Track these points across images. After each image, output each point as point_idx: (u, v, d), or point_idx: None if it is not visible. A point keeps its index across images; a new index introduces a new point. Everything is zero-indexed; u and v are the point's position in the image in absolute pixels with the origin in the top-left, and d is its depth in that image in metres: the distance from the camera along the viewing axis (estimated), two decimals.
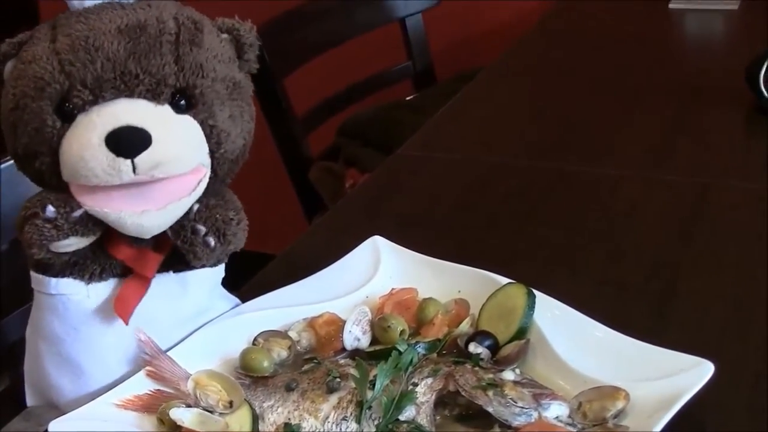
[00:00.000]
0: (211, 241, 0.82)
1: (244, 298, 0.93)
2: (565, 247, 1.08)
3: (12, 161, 0.84)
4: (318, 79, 1.81)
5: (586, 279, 1.00)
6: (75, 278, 0.82)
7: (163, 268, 0.84)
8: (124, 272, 0.83)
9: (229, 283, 0.92)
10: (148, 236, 0.80)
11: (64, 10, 0.80)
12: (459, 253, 0.95)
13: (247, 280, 1.00)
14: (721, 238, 1.07)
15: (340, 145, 1.91)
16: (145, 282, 0.83)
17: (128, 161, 0.74)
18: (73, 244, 0.78)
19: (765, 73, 1.30)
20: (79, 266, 0.82)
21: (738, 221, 1.10)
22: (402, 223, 1.14)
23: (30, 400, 0.87)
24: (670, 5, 1.85)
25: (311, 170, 1.83)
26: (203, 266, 0.84)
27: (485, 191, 1.25)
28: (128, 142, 0.74)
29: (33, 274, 0.83)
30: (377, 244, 0.97)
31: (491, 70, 1.66)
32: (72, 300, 0.82)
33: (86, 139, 0.74)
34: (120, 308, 0.81)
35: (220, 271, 0.89)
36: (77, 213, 0.77)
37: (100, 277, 0.83)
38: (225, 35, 0.83)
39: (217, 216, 0.82)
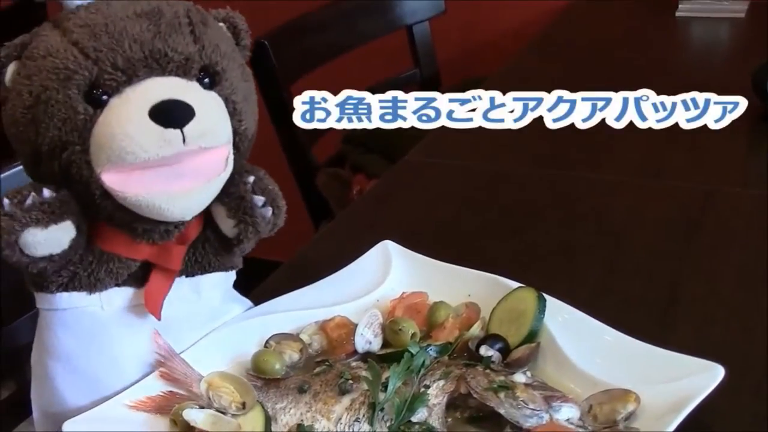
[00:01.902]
0: (269, 212, 0.83)
1: (253, 304, 0.93)
2: (567, 254, 1.08)
3: (13, 171, 0.82)
4: (325, 86, 1.82)
5: (588, 286, 1.00)
6: (82, 290, 0.81)
7: (187, 268, 0.85)
8: (133, 278, 0.83)
9: (236, 291, 0.93)
10: (189, 217, 0.80)
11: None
12: (464, 259, 0.96)
13: (254, 287, 1.00)
14: (724, 244, 1.07)
15: (345, 152, 1.91)
16: (170, 275, 0.83)
17: (177, 131, 0.74)
18: (41, 239, 0.76)
19: None
20: (79, 277, 0.80)
21: (741, 227, 1.10)
22: (408, 229, 1.14)
23: (39, 423, 0.85)
24: (677, 13, 1.86)
25: (318, 176, 1.84)
26: (244, 251, 0.85)
27: (490, 197, 1.25)
28: (176, 113, 0.74)
29: (38, 294, 0.82)
30: (388, 248, 0.98)
31: (497, 77, 1.67)
32: (86, 312, 0.81)
33: (129, 116, 0.74)
34: (150, 304, 0.81)
35: (232, 274, 0.90)
36: (29, 200, 0.75)
37: (107, 286, 0.82)
38: (221, 24, 0.85)
39: (270, 186, 0.84)
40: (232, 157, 0.80)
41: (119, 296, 0.83)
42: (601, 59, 1.69)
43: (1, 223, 0.74)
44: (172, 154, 0.74)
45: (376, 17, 1.95)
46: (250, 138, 0.83)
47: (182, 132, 0.74)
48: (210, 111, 0.77)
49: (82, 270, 0.80)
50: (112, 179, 0.75)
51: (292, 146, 1.82)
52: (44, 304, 0.82)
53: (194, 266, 0.86)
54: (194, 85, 0.78)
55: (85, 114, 0.75)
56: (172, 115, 0.74)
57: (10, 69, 0.78)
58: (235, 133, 0.81)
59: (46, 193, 0.76)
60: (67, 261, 0.79)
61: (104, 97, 0.75)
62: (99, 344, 0.82)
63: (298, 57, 1.80)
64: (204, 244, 0.86)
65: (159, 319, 0.82)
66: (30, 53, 0.77)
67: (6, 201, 0.75)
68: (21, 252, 0.76)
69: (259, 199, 0.83)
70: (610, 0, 2.00)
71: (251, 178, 0.83)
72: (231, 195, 0.82)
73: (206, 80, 0.79)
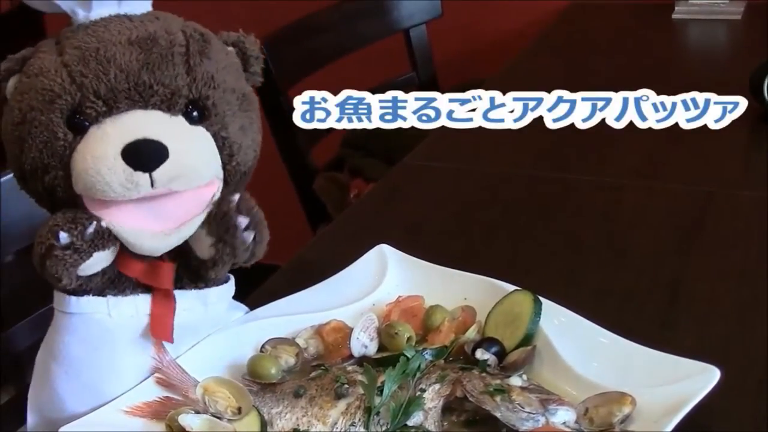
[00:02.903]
0: (249, 237, 0.80)
1: (250, 308, 0.93)
2: (568, 256, 1.08)
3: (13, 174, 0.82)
4: (322, 90, 1.82)
5: (589, 288, 1.00)
6: (95, 295, 0.81)
7: (185, 284, 0.84)
8: (143, 286, 0.82)
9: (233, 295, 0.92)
10: (159, 254, 0.80)
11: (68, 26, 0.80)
12: (463, 262, 0.95)
13: (250, 292, 1.00)
14: (724, 245, 1.07)
15: (344, 156, 1.91)
16: (169, 295, 0.82)
17: (146, 175, 0.74)
18: (98, 261, 0.77)
19: None
20: (102, 285, 0.80)
21: (741, 229, 1.10)
22: (406, 232, 1.14)
23: (33, 424, 0.85)
24: (674, 15, 1.86)
25: (316, 180, 1.84)
26: (217, 276, 0.83)
27: (489, 200, 1.25)
28: (146, 155, 0.74)
29: (56, 293, 0.82)
30: (384, 252, 0.98)
31: (495, 80, 1.67)
32: (93, 319, 0.81)
33: (102, 153, 0.74)
34: (158, 330, 0.81)
35: (232, 284, 0.89)
36: (91, 228, 0.76)
37: (122, 293, 0.82)
38: (231, 48, 0.83)
39: (254, 210, 0.81)
40: (218, 194, 0.79)
41: (127, 305, 0.82)
42: (597, 62, 1.69)
43: (64, 258, 0.75)
44: (140, 196, 0.74)
45: (373, 21, 1.95)
46: (245, 171, 0.82)
47: (150, 176, 0.74)
48: (189, 152, 0.76)
49: (100, 279, 0.80)
50: (93, 206, 0.76)
51: (289, 150, 1.82)
52: (59, 304, 0.82)
53: (188, 283, 0.85)
54: (178, 121, 0.77)
55: (64, 140, 0.75)
56: (142, 157, 0.74)
57: (12, 82, 0.78)
58: (224, 168, 0.80)
59: (103, 222, 0.76)
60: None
61: (86, 124, 0.75)
62: (102, 352, 0.81)
63: (295, 61, 1.80)
64: (186, 264, 0.84)
65: (172, 342, 0.81)
66: (27, 69, 0.77)
67: (63, 235, 0.75)
68: (77, 277, 0.77)
69: (243, 220, 0.79)
70: (607, 2, 2.00)
71: (236, 197, 0.80)
72: (213, 211, 0.80)
73: (194, 114, 0.78)
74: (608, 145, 1.32)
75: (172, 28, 0.79)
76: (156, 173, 0.74)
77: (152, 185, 0.74)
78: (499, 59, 1.91)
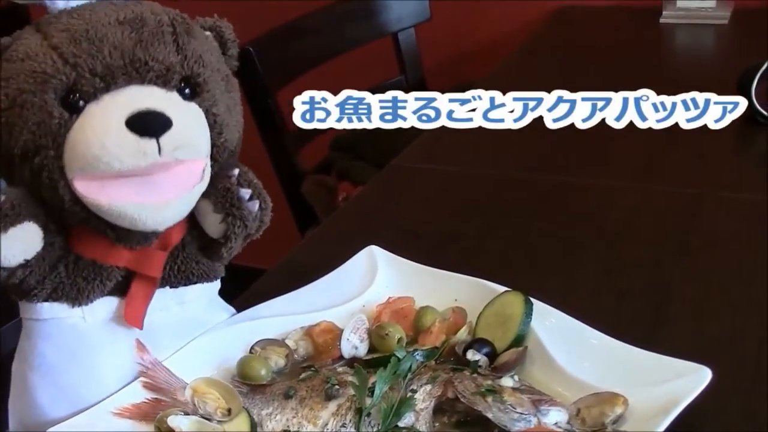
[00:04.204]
0: (255, 206, 0.82)
1: (238, 310, 0.92)
2: (561, 257, 1.08)
3: None
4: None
5: (582, 289, 1.00)
6: (65, 301, 0.80)
7: (161, 283, 0.83)
8: (118, 287, 0.82)
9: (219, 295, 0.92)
10: (163, 228, 0.79)
11: None
12: (453, 264, 0.95)
13: (238, 294, 1.00)
14: (716, 246, 1.07)
15: (332, 158, 1.91)
16: (152, 283, 0.82)
17: (153, 141, 0.73)
18: (14, 243, 0.74)
19: (756, 84, 1.31)
20: (63, 287, 0.79)
21: (732, 230, 1.11)
22: (395, 235, 1.14)
23: None
24: (661, 20, 1.86)
25: (304, 184, 1.83)
26: (230, 253, 0.84)
27: (479, 202, 1.25)
28: (152, 122, 0.74)
29: (21, 303, 0.81)
30: (374, 253, 0.98)
31: (483, 83, 1.67)
32: (67, 323, 0.80)
33: (106, 125, 0.73)
34: (130, 315, 0.80)
35: (217, 283, 0.89)
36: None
37: (91, 297, 0.80)
38: (208, 33, 0.84)
39: (255, 180, 0.83)
40: (209, 169, 0.79)
41: (101, 307, 0.81)
42: (586, 65, 1.69)
43: None
44: (147, 165, 0.73)
45: (362, 24, 1.95)
46: (231, 150, 0.83)
47: (158, 142, 0.73)
48: (188, 123, 0.76)
49: (66, 278, 0.79)
50: (84, 186, 0.74)
51: (278, 153, 1.82)
52: (26, 313, 0.81)
53: (177, 275, 0.85)
54: (174, 96, 0.77)
55: (60, 119, 0.74)
56: (148, 124, 0.73)
57: None
58: (213, 145, 0.80)
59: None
60: (50, 268, 0.78)
61: (81, 103, 0.74)
62: (80, 356, 0.80)
63: (283, 64, 1.79)
64: (186, 251, 0.85)
65: (141, 329, 0.81)
66: (9, 56, 0.76)
67: None
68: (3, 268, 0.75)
69: (246, 192, 0.82)
70: (595, 5, 2.01)
71: (236, 171, 0.82)
72: (216, 188, 0.81)
73: (186, 91, 0.78)
74: (600, 147, 1.33)
75: (156, 9, 0.80)
76: (163, 139, 0.73)
77: (159, 153, 0.73)
78: (489, 62, 1.91)
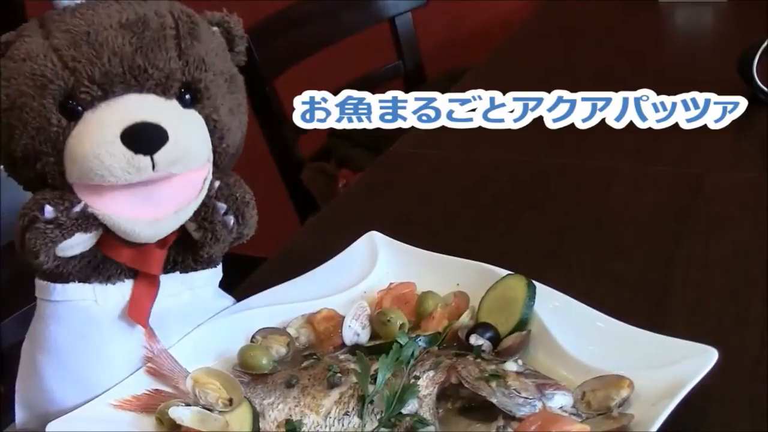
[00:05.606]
0: (231, 221, 0.81)
1: (238, 299, 0.92)
2: (560, 241, 1.07)
3: None
4: (308, 80, 1.81)
5: (582, 272, 1.00)
6: (81, 283, 0.79)
7: (170, 268, 0.83)
8: (130, 273, 0.81)
9: (220, 287, 0.91)
10: (156, 240, 0.79)
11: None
12: (453, 249, 0.94)
13: (238, 284, 0.99)
14: (716, 227, 1.07)
15: (331, 145, 1.90)
16: (154, 280, 0.81)
17: (147, 158, 0.73)
18: (79, 243, 0.76)
19: (757, 63, 1.30)
20: (84, 271, 0.79)
21: (732, 210, 1.10)
22: (395, 220, 1.13)
23: (21, 419, 0.83)
24: None
25: (304, 171, 1.83)
26: (210, 255, 0.83)
27: (478, 187, 1.24)
28: (146, 138, 0.73)
29: (37, 281, 0.80)
30: (374, 239, 0.97)
31: (481, 67, 1.66)
32: (79, 306, 0.80)
33: (101, 137, 0.72)
34: (135, 312, 0.80)
35: (220, 270, 0.88)
36: (78, 207, 0.75)
37: (108, 281, 0.80)
38: (215, 28, 0.82)
39: (237, 195, 0.81)
40: (210, 177, 0.79)
41: (114, 292, 0.81)
42: (585, 46, 1.68)
43: (46, 233, 0.73)
44: (140, 180, 0.73)
45: (359, 10, 1.94)
46: (233, 153, 0.82)
47: (152, 159, 0.73)
48: (186, 134, 0.75)
49: (87, 264, 0.79)
50: (83, 193, 0.75)
51: (276, 141, 1.81)
52: (40, 293, 0.81)
53: (176, 267, 0.84)
54: (173, 104, 0.76)
55: (58, 126, 0.74)
56: (142, 140, 0.73)
57: None
58: (215, 151, 0.79)
59: (90, 209, 0.75)
60: (81, 257, 0.79)
61: (79, 109, 0.74)
62: (90, 340, 0.80)
63: (281, 51, 1.79)
64: (183, 244, 0.83)
65: (146, 328, 0.80)
66: (11, 54, 0.76)
67: (49, 208, 0.74)
68: (55, 256, 0.75)
69: (222, 206, 0.80)
70: None
71: (216, 184, 0.81)
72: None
73: (187, 97, 0.77)
74: (597, 131, 1.31)
75: (160, 9, 0.78)
76: (157, 156, 0.73)
77: (153, 168, 0.73)
78: (486, 46, 1.90)
